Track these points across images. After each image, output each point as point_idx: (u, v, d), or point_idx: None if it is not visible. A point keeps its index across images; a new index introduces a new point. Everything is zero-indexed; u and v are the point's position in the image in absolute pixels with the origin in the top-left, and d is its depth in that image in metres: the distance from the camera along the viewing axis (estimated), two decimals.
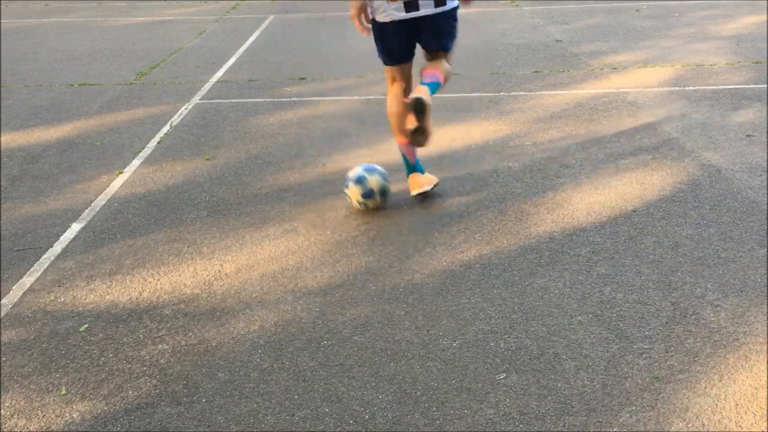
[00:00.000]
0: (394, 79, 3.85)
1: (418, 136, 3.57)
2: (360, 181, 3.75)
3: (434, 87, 3.63)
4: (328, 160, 4.63)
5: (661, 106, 5.43)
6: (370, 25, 3.66)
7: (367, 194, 3.76)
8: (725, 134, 4.77)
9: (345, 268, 3.31)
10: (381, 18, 3.62)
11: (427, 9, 3.59)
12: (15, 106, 6.11)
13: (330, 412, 2.40)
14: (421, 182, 3.95)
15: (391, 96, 3.86)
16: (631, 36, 8.05)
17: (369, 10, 3.63)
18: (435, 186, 3.99)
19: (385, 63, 3.82)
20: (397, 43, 3.73)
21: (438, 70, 3.71)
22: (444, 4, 3.61)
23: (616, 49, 7.44)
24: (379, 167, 3.84)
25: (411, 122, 3.54)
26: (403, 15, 3.59)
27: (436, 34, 3.71)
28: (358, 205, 3.82)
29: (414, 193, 3.94)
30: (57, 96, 6.41)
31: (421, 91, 3.53)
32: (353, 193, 3.78)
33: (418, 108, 3.48)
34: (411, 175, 3.98)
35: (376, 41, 3.75)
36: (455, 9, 3.71)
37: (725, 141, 4.65)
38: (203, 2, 12.30)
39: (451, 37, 3.77)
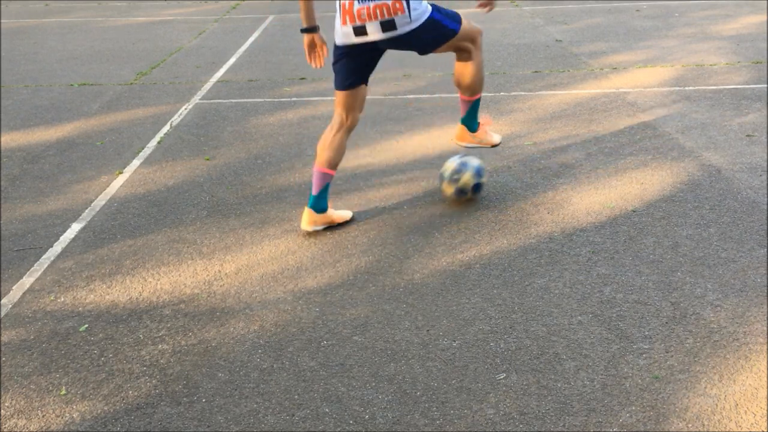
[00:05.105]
0: (342, 108, 3.58)
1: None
2: (454, 179, 3.79)
3: (473, 115, 3.92)
4: None
5: (661, 106, 5.43)
6: (321, 59, 3.58)
7: (460, 191, 3.82)
8: (725, 134, 4.77)
9: (345, 268, 3.31)
10: (338, 41, 3.49)
11: (374, 35, 3.37)
12: (15, 106, 6.11)
13: (330, 412, 2.40)
14: (315, 220, 3.61)
15: (329, 126, 3.62)
16: (631, 36, 8.05)
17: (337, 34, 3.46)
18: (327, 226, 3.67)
19: (337, 87, 3.59)
20: (351, 66, 3.53)
21: (463, 93, 3.83)
22: (394, 28, 3.35)
23: (616, 49, 7.44)
24: (473, 160, 3.84)
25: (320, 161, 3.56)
26: (352, 40, 3.42)
27: (414, 48, 3.54)
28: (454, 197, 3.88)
29: (303, 227, 3.62)
30: (57, 96, 6.41)
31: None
32: (447, 188, 3.84)
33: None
34: (307, 210, 3.61)
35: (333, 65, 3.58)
36: (426, 23, 3.40)
37: (725, 141, 4.65)
38: (203, 2, 12.30)
39: (434, 41, 3.52)
